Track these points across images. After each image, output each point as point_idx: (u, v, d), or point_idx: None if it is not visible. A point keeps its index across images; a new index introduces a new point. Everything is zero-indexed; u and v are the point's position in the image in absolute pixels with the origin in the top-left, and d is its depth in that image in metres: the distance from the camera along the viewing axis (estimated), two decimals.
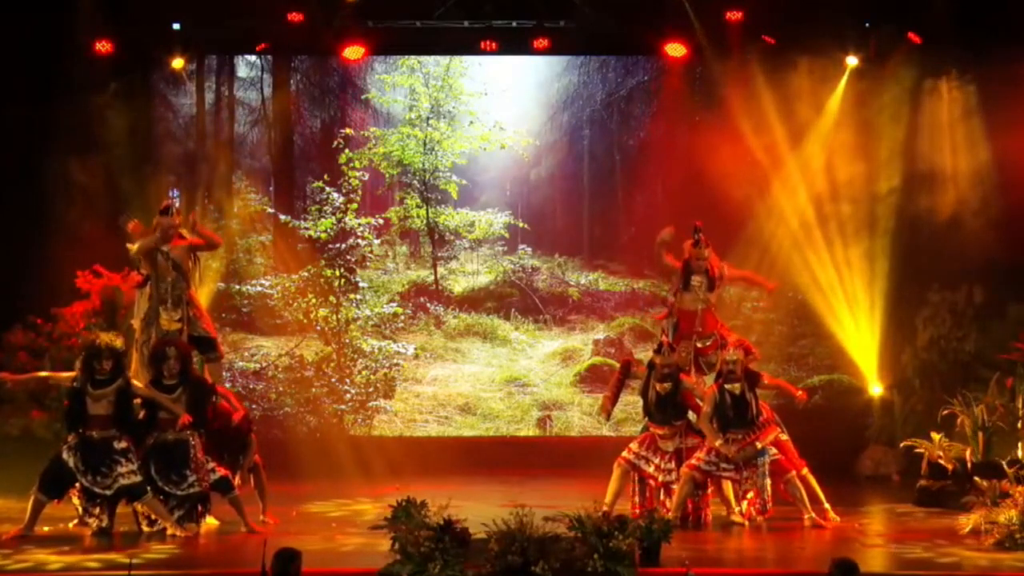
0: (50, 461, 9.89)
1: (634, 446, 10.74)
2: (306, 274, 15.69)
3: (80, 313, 13.21)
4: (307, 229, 15.87)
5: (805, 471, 10.60)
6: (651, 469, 10.58)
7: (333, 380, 15.29)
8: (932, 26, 13.37)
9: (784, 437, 10.71)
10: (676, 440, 10.66)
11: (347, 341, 15.49)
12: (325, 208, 15.89)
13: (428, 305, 16.12)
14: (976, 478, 10.40)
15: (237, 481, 10.37)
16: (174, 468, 9.97)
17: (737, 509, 10.50)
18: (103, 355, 9.89)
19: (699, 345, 11.12)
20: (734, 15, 13.59)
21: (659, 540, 8.36)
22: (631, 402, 15.32)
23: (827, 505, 10.57)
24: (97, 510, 9.95)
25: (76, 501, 9.99)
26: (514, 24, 14.07)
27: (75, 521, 10.10)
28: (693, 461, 10.40)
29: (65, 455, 9.83)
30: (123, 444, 9.89)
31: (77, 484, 9.83)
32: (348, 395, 15.25)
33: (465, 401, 15.48)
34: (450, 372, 15.69)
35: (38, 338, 13.07)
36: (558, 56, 15.62)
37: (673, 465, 10.57)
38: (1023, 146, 13.21)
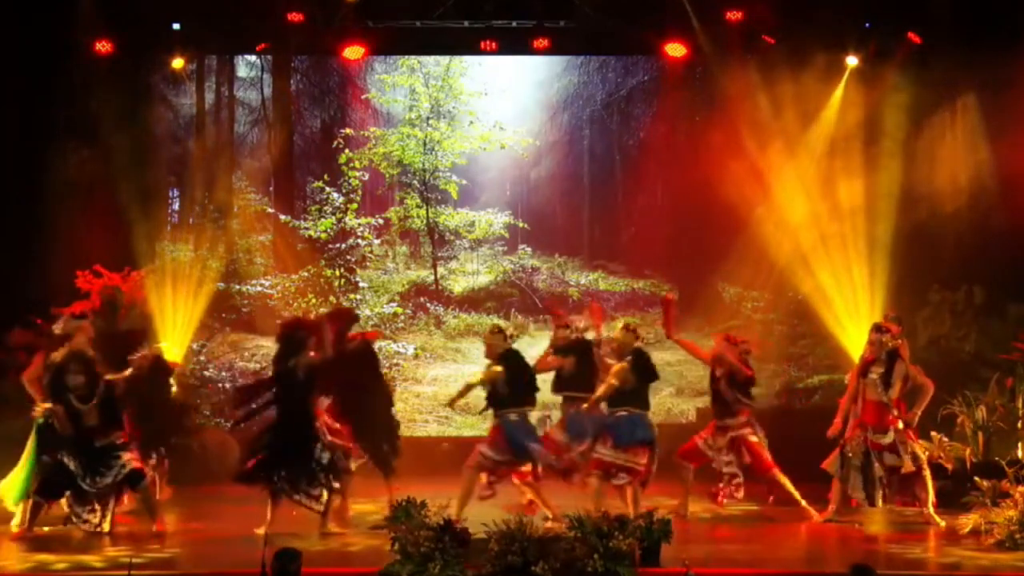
0: (52, 465, 9.87)
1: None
2: (306, 274, 15.70)
3: (80, 313, 13.18)
4: (307, 229, 15.88)
5: (776, 473, 10.68)
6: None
7: None
8: (932, 27, 13.36)
9: (755, 439, 10.76)
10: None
11: None
12: (325, 208, 15.90)
13: (428, 305, 16.13)
14: (976, 478, 10.39)
15: None
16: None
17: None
18: (72, 369, 9.85)
19: None
20: (734, 15, 13.58)
21: (659, 540, 8.36)
22: None
23: (804, 503, 10.63)
24: (91, 514, 9.91)
25: (64, 502, 9.97)
26: (514, 24, 14.06)
27: (65, 522, 10.10)
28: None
29: (67, 459, 9.81)
30: (121, 439, 9.98)
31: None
32: None
33: (465, 401, 15.37)
34: (450, 372, 15.68)
35: (38, 338, 13.05)
36: (558, 56, 15.63)
37: None
38: (1023, 146, 13.21)
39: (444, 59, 16.06)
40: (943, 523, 10.19)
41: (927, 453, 10.61)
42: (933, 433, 11.46)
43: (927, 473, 10.39)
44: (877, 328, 10.67)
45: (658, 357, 15.79)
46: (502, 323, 11.83)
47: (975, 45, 12.86)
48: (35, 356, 10.63)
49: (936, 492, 10.49)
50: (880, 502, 10.40)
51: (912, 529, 10.22)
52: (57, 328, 10.65)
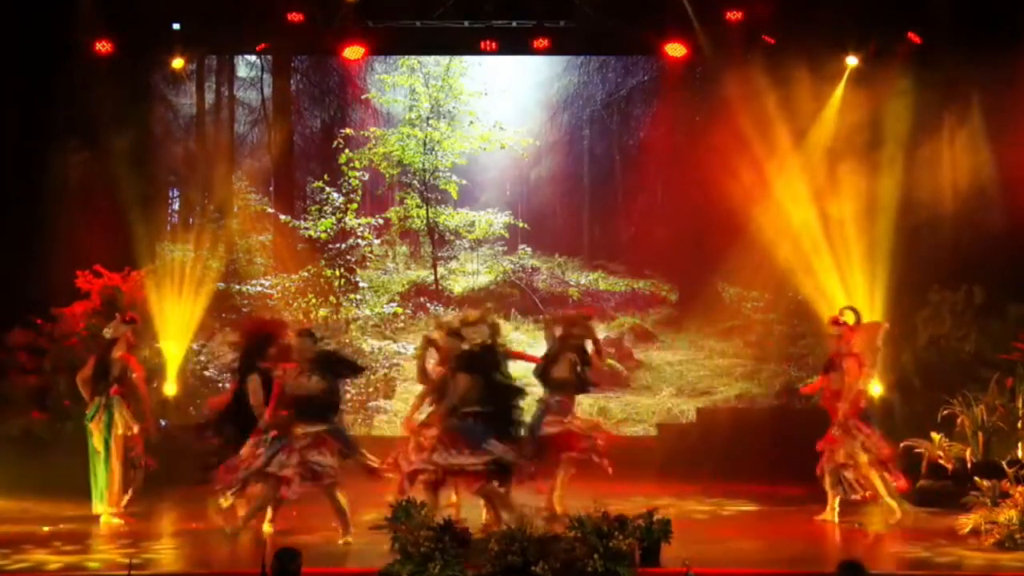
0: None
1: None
2: (306, 274, 15.71)
3: (80, 313, 13.18)
4: (307, 229, 15.88)
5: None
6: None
7: None
8: (932, 26, 13.36)
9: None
10: None
11: (347, 341, 15.48)
12: (325, 208, 15.91)
13: (428, 305, 16.12)
14: (976, 478, 10.40)
15: None
16: None
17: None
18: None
19: None
20: (734, 15, 13.59)
21: (659, 540, 8.37)
22: (631, 402, 15.40)
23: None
24: None
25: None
26: (514, 24, 14.06)
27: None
28: None
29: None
30: None
31: None
32: (348, 395, 15.21)
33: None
34: None
35: (38, 338, 13.07)
36: (558, 56, 15.63)
37: None
38: (1023, 146, 13.21)
39: (444, 59, 16.06)
40: (899, 512, 10.30)
41: (870, 453, 10.51)
42: (933, 433, 11.49)
43: (865, 469, 10.37)
44: (834, 322, 10.77)
45: (659, 357, 15.92)
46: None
47: (975, 45, 12.85)
48: (89, 357, 10.94)
49: (887, 484, 10.47)
50: (841, 494, 10.46)
51: (912, 529, 10.22)
52: (108, 332, 10.88)
